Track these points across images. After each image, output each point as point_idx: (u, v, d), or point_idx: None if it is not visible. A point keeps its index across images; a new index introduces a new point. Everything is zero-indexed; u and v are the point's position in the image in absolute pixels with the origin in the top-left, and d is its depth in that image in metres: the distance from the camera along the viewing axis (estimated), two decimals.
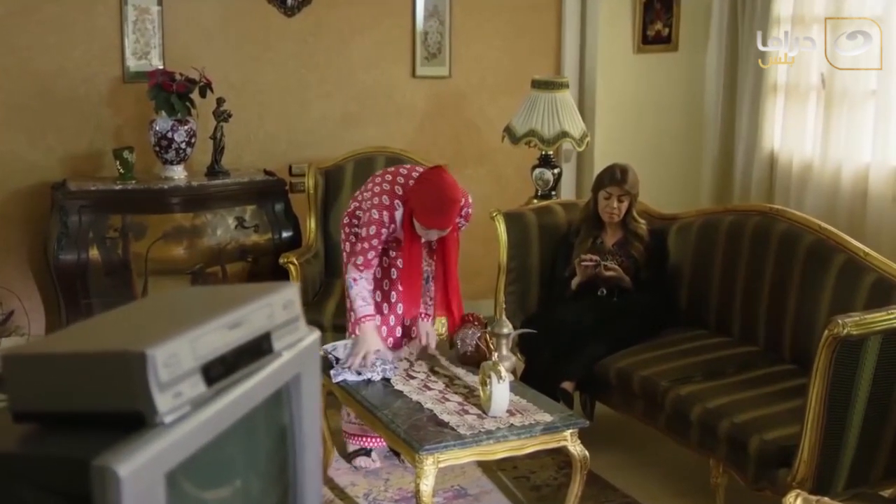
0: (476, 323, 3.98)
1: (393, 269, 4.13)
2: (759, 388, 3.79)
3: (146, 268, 4.95)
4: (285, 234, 5.29)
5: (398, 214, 3.93)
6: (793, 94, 5.46)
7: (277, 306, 1.48)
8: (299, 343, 1.53)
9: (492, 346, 3.88)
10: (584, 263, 4.47)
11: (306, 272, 4.91)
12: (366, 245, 3.92)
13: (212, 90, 5.17)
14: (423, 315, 4.13)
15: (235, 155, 5.51)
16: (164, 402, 1.25)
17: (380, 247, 3.97)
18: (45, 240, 5.06)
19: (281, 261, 4.88)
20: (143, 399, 1.24)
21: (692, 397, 3.77)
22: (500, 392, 3.40)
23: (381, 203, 3.92)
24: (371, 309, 3.93)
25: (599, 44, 6.08)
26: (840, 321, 3.12)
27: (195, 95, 5.14)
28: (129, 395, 1.25)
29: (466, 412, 3.47)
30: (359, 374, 3.80)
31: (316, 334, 1.63)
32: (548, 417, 3.44)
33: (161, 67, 5.28)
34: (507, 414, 3.44)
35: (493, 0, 6.03)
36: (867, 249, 3.84)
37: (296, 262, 4.84)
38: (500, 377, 3.40)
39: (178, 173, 5.18)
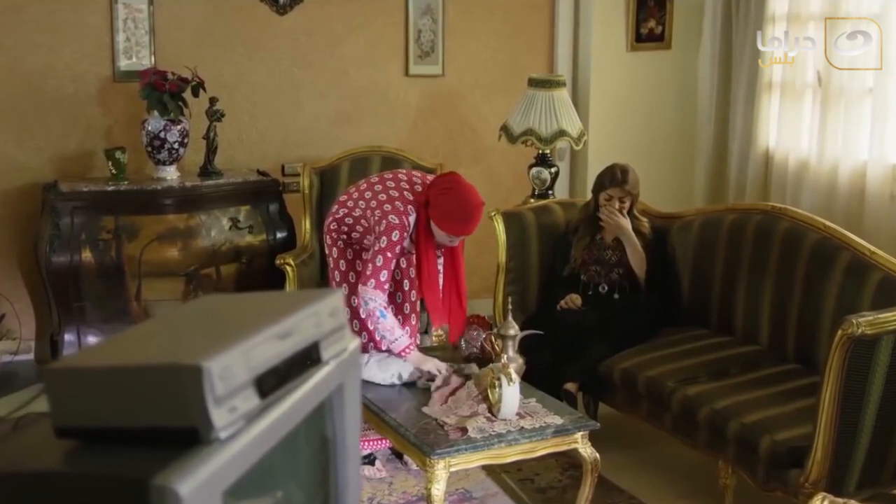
0: (481, 324, 3.94)
1: (406, 281, 4.09)
2: (766, 388, 3.76)
3: (140, 270, 4.88)
4: (280, 235, 5.24)
5: (411, 220, 3.86)
6: (788, 92, 5.44)
7: (324, 314, 1.43)
8: (344, 352, 1.49)
9: (497, 348, 3.84)
10: (565, 307, 4.49)
11: (302, 273, 4.86)
12: (388, 254, 3.79)
13: (204, 89, 5.11)
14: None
15: (227, 155, 5.44)
16: (219, 417, 1.20)
17: (399, 254, 3.89)
18: (36, 242, 4.98)
19: (277, 262, 4.82)
20: (198, 414, 1.19)
21: (699, 398, 3.74)
22: (511, 395, 3.36)
23: (396, 209, 3.83)
24: (407, 338, 3.84)
25: (593, 42, 6.06)
26: (854, 321, 3.10)
27: (188, 95, 5.07)
28: (184, 411, 1.20)
29: (476, 414, 3.42)
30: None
31: (357, 341, 1.58)
32: (558, 420, 3.41)
33: (152, 66, 5.21)
34: (517, 417, 3.40)
35: None
36: (873, 248, 3.82)
37: (292, 263, 4.79)
38: (510, 380, 3.36)
39: (171, 174, 5.11)
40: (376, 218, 3.85)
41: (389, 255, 3.79)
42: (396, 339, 3.78)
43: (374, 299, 3.76)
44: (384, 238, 3.79)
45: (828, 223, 4.06)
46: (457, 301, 4.05)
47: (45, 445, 1.29)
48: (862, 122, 5.01)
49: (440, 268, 4.06)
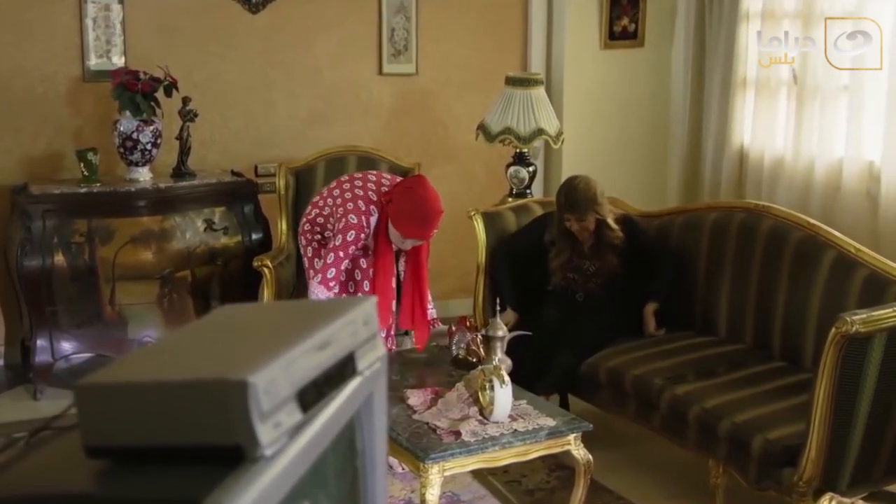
0: (467, 326, 3.90)
1: (366, 282, 4.05)
2: (754, 386, 3.76)
3: (114, 273, 4.79)
4: (255, 237, 5.16)
5: (373, 220, 3.89)
6: (763, 89, 5.47)
7: (359, 323, 1.38)
8: (377, 362, 1.44)
9: (480, 350, 3.80)
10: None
11: (279, 275, 4.79)
12: (340, 254, 3.84)
13: (177, 89, 5.02)
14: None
15: (199, 155, 5.35)
16: (265, 434, 1.15)
17: (352, 255, 3.89)
18: (6, 245, 4.86)
19: (255, 264, 4.74)
20: (243, 431, 1.13)
21: (688, 397, 3.73)
22: (503, 397, 3.32)
23: (358, 208, 3.87)
24: None
25: (566, 40, 6.03)
26: (848, 319, 3.10)
27: (160, 95, 4.98)
28: (228, 428, 1.14)
29: (467, 417, 3.38)
30: None
31: (384, 349, 1.53)
32: (551, 422, 3.38)
33: (123, 66, 5.11)
34: (509, 419, 3.36)
35: None
36: (858, 245, 3.83)
37: (270, 265, 4.72)
38: (502, 382, 3.32)
39: (144, 175, 5.02)
40: (338, 216, 3.91)
41: (342, 254, 3.84)
42: None
43: (317, 294, 3.82)
44: (339, 236, 3.85)
45: (811, 220, 4.08)
46: (420, 308, 4.05)
47: (74, 465, 1.22)
48: (837, 119, 5.03)
49: (401, 272, 4.07)
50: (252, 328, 1.38)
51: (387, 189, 3.93)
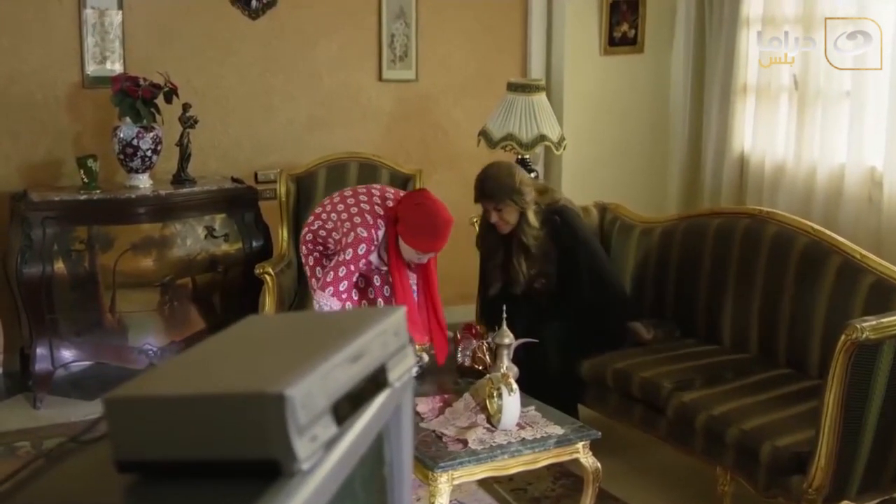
0: (473, 334, 3.88)
1: (379, 300, 4.06)
2: (761, 393, 3.74)
3: (114, 281, 4.75)
4: (256, 244, 5.13)
5: (380, 234, 3.84)
6: (763, 95, 5.46)
7: (390, 334, 1.36)
8: (407, 373, 1.42)
9: (486, 358, 3.78)
10: None
11: (281, 282, 4.77)
12: (351, 267, 3.79)
13: (177, 95, 5.00)
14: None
15: (199, 162, 5.32)
16: (302, 448, 1.13)
17: (362, 268, 3.87)
18: (6, 253, 4.83)
19: (257, 271, 4.71)
20: (281, 445, 1.11)
21: (696, 404, 3.71)
22: (511, 405, 3.31)
23: (366, 222, 3.82)
24: None
25: (566, 46, 6.03)
26: (858, 326, 3.09)
27: (160, 101, 4.95)
28: (264, 442, 1.12)
29: (475, 425, 3.36)
30: None
31: (413, 360, 1.51)
32: (559, 430, 3.36)
33: (122, 72, 5.09)
34: (517, 427, 3.34)
35: (460, 1, 5.94)
36: (864, 251, 3.83)
37: (271, 272, 4.69)
38: (510, 390, 3.30)
39: (144, 182, 4.99)
40: (345, 230, 3.86)
41: (353, 267, 3.80)
42: None
43: (330, 305, 3.77)
44: (349, 250, 3.80)
45: (816, 226, 4.07)
46: (435, 321, 4.01)
47: (104, 479, 1.20)
48: (839, 124, 5.03)
49: (413, 286, 4.02)
50: (283, 339, 1.36)
51: (392, 202, 3.89)
